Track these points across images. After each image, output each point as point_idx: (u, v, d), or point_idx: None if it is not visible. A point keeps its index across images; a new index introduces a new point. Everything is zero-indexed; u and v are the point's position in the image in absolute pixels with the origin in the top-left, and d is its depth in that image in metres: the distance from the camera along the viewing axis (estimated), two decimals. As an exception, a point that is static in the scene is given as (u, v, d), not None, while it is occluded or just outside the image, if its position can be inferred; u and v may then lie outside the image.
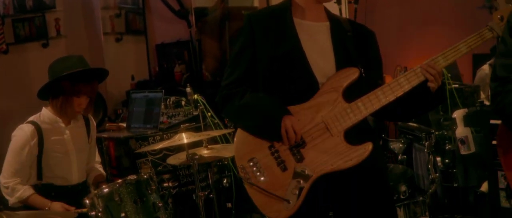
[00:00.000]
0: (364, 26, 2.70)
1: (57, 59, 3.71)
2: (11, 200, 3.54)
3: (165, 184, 4.09)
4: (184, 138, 3.60)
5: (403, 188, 3.56)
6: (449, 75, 4.22)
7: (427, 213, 3.55)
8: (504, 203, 3.22)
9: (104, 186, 3.40)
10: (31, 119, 3.67)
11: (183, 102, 4.86)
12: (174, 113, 4.81)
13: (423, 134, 3.75)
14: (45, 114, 3.67)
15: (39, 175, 3.63)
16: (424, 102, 2.46)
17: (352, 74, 2.42)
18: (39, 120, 3.65)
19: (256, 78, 2.50)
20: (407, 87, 2.36)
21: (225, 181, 4.47)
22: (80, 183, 3.76)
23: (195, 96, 4.71)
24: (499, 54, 2.32)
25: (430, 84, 2.36)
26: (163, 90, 4.76)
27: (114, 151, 4.56)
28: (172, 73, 7.10)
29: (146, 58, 7.29)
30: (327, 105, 2.40)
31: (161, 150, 4.34)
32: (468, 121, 3.65)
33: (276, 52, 2.45)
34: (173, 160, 3.86)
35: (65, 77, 3.48)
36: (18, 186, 3.53)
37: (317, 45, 2.50)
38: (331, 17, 2.61)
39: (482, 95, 4.40)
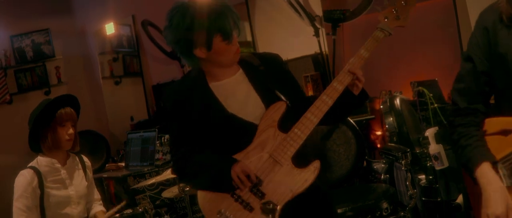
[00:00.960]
0: (267, 53, 2.83)
1: (31, 112, 3.90)
2: None
3: (165, 217, 4.33)
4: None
5: (384, 205, 3.74)
6: (431, 95, 4.38)
7: (408, 227, 3.74)
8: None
9: (105, 222, 3.64)
10: (30, 164, 3.87)
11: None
12: (169, 150, 5.04)
13: (400, 153, 3.94)
14: (41, 159, 3.87)
15: (43, 216, 3.85)
16: (351, 105, 2.65)
17: (280, 108, 2.58)
18: (36, 165, 3.87)
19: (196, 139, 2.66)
20: (330, 102, 2.52)
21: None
22: None
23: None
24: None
25: (358, 84, 2.56)
26: (157, 129, 5.02)
27: (114, 188, 4.80)
28: (169, 112, 7.30)
29: (144, 98, 7.50)
30: (269, 141, 2.55)
31: (157, 185, 4.58)
32: (439, 138, 3.86)
33: (207, 122, 2.59)
34: (167, 194, 4.09)
35: (40, 116, 3.73)
36: None
37: (240, 96, 2.65)
38: (240, 62, 2.71)
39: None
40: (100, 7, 7.80)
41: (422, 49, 5.00)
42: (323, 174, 3.16)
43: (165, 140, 5.11)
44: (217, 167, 2.55)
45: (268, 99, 2.62)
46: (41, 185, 3.78)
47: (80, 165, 4.09)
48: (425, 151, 4.39)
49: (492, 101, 2.23)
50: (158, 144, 5.03)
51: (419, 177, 4.26)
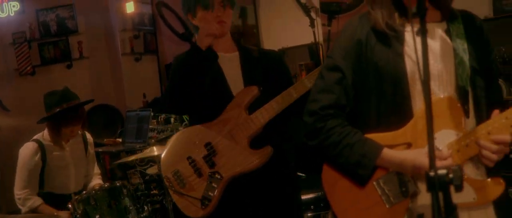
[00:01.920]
0: (273, 51, 3.12)
1: (46, 94, 4.20)
2: (24, 209, 4.06)
3: (152, 192, 4.57)
4: (155, 150, 4.06)
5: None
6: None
7: None
8: None
9: (84, 192, 3.90)
10: (35, 137, 4.19)
11: (172, 119, 5.32)
12: (163, 129, 5.28)
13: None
14: (47, 133, 4.19)
15: (41, 184, 4.14)
16: None
17: (251, 91, 2.81)
18: (42, 138, 4.17)
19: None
20: (295, 96, 2.74)
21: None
22: (76, 192, 4.23)
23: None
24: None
25: None
26: (151, 110, 5.26)
27: (109, 163, 5.06)
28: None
29: (158, 76, 7.69)
30: (232, 119, 2.80)
31: (148, 161, 4.82)
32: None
33: (203, 82, 2.79)
34: (151, 170, 4.34)
35: (47, 118, 4.04)
36: (29, 197, 4.05)
37: (228, 72, 2.90)
38: (240, 47, 3.01)
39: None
40: (123, -15, 7.99)
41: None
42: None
43: (162, 119, 5.34)
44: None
45: (248, 82, 2.88)
46: (43, 157, 4.10)
47: (82, 142, 4.37)
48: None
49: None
50: (155, 123, 5.27)
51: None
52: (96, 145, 6.14)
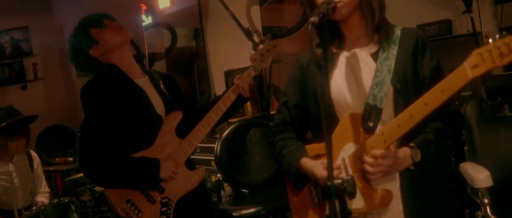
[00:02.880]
0: (166, 73, 3.23)
1: None
2: None
3: (102, 208, 4.76)
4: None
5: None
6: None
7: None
8: None
9: (33, 208, 4.07)
10: None
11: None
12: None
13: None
14: None
15: (-10, 201, 4.31)
16: (239, 106, 3.13)
17: (177, 117, 2.96)
18: None
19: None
20: (216, 118, 3.00)
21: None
22: (25, 208, 4.38)
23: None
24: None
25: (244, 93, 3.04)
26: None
27: (60, 181, 5.25)
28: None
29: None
30: (168, 144, 2.93)
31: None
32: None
33: (132, 118, 2.84)
34: (99, 188, 4.53)
35: None
36: None
37: (152, 97, 2.96)
38: (145, 71, 3.05)
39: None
40: (77, 6, 8.16)
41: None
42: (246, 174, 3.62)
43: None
44: (146, 168, 2.83)
45: (167, 106, 2.98)
46: None
47: (26, 159, 4.55)
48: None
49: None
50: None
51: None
52: (49, 164, 6.34)
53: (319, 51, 1.96)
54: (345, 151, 2.17)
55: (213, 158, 4.67)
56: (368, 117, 2.11)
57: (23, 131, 4.34)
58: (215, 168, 4.53)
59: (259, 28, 5.57)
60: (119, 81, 2.87)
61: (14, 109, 4.36)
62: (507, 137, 3.40)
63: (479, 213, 3.09)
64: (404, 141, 2.10)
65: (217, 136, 4.68)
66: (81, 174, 4.51)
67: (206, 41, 6.24)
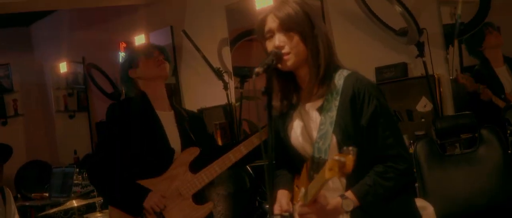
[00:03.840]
0: (195, 113, 3.49)
1: None
2: None
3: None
4: (74, 202, 4.42)
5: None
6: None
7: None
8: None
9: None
10: None
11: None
12: (87, 184, 5.60)
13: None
14: None
15: (-34, 242, 4.43)
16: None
17: (194, 152, 3.16)
18: None
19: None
20: (234, 160, 3.16)
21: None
22: None
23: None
24: None
25: None
26: (75, 165, 5.64)
27: (34, 216, 5.40)
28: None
29: (90, 133, 8.02)
30: (178, 176, 3.12)
31: (71, 213, 5.14)
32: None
33: (143, 135, 3.10)
34: (73, 224, 4.68)
35: None
36: None
37: (167, 130, 3.18)
38: (173, 107, 3.31)
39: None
40: (56, 47, 8.39)
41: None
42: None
43: (86, 175, 5.68)
44: (133, 193, 3.04)
45: (186, 144, 3.18)
46: None
47: (0, 195, 4.70)
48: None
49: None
50: (80, 178, 5.63)
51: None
52: (26, 198, 6.47)
53: (264, 98, 2.16)
54: (301, 194, 2.29)
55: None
56: (315, 168, 2.19)
57: None
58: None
59: (230, 68, 5.77)
60: (143, 109, 3.13)
61: None
62: (454, 175, 3.60)
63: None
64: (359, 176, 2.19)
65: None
66: (54, 209, 4.66)
67: (180, 79, 6.44)
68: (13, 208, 4.80)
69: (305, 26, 2.22)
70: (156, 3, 6.69)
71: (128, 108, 3.16)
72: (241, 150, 3.18)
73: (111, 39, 7.15)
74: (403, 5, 4.01)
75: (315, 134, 2.25)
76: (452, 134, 3.69)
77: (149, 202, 2.99)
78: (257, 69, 2.03)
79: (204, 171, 3.16)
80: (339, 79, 2.27)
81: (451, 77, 4.24)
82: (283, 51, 2.18)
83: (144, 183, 3.06)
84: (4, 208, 4.68)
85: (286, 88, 2.35)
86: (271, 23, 2.23)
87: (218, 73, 5.55)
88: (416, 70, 4.39)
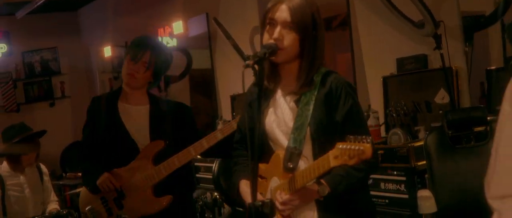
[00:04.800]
0: (182, 104, 3.53)
1: (5, 129, 4.86)
2: None
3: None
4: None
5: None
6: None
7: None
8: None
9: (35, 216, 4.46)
10: None
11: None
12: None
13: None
14: (4, 165, 4.80)
15: (4, 211, 4.69)
16: None
17: (157, 146, 3.25)
18: (0, 169, 4.78)
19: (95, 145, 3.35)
20: (194, 154, 3.21)
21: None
22: (35, 217, 4.71)
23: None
24: None
25: None
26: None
27: (69, 194, 5.66)
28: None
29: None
30: (140, 168, 3.23)
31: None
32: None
33: (105, 129, 3.29)
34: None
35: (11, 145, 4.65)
36: None
37: (136, 123, 3.31)
38: (151, 101, 3.39)
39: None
40: (101, 31, 8.65)
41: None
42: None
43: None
44: (93, 174, 3.25)
45: (154, 135, 3.31)
46: (2, 187, 4.66)
47: (37, 171, 4.97)
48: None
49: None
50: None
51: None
52: (60, 178, 6.75)
53: (255, 89, 2.25)
54: (272, 183, 2.41)
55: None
56: (289, 158, 2.29)
57: (33, 144, 4.76)
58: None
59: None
60: (111, 104, 3.32)
61: (25, 125, 4.78)
62: (464, 167, 3.61)
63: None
64: None
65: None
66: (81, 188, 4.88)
67: (214, 66, 6.56)
68: (49, 183, 5.07)
69: (308, 27, 2.29)
70: (194, -10, 6.82)
71: (99, 103, 3.37)
72: (203, 145, 3.20)
73: (152, 25, 7.32)
74: (418, -3, 4.00)
75: (290, 124, 2.34)
76: (464, 126, 3.70)
77: (102, 181, 3.15)
78: (247, 62, 2.10)
79: (163, 164, 3.22)
80: (318, 75, 2.35)
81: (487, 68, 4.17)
82: (279, 45, 2.25)
83: (112, 172, 3.24)
84: (41, 184, 4.95)
85: (269, 74, 2.42)
86: (280, 12, 2.28)
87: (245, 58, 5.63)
88: (435, 62, 4.38)
